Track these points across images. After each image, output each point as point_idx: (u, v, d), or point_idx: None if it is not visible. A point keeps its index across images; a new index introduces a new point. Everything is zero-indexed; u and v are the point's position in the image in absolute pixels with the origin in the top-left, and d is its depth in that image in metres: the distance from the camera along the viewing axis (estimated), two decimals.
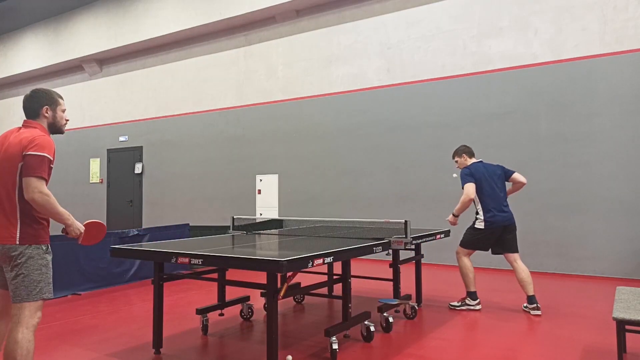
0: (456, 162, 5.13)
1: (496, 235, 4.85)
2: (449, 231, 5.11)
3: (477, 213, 4.92)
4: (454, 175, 4.74)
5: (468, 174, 4.83)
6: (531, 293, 4.71)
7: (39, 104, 2.71)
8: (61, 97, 2.81)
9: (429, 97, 8.32)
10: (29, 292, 2.46)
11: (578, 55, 7.12)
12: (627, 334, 2.88)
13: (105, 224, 2.77)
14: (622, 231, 6.69)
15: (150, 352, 3.63)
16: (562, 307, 4.94)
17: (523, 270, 4.80)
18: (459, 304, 4.89)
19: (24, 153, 2.47)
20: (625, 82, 6.78)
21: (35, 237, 2.52)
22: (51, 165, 2.54)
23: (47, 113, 2.73)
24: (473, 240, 4.97)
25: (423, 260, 5.34)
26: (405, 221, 4.16)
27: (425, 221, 8.19)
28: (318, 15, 9.61)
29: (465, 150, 5.07)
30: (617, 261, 6.70)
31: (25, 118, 2.73)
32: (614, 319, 2.74)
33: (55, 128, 2.77)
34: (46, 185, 2.49)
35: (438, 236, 4.89)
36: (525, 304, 4.82)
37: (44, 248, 2.56)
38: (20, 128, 2.68)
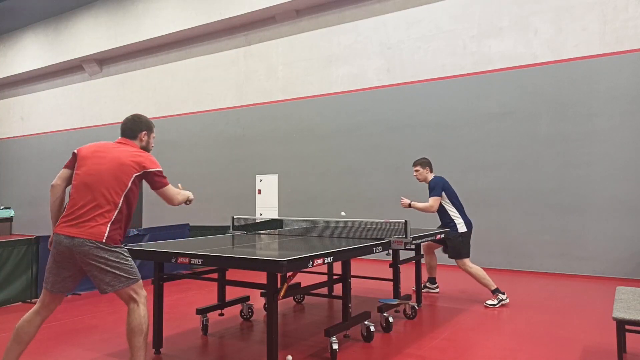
0: (417, 171, 5.47)
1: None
2: (448, 231, 5.11)
3: (451, 220, 5.29)
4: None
5: (440, 188, 5.26)
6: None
7: (140, 129, 3.07)
8: (154, 125, 3.20)
9: (429, 97, 8.32)
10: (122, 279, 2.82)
11: (578, 55, 7.12)
12: (627, 334, 2.88)
13: None
14: (622, 231, 6.69)
15: (150, 352, 3.62)
16: (562, 307, 4.94)
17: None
18: (496, 302, 5.03)
19: (146, 170, 2.87)
20: (625, 82, 6.78)
21: (116, 240, 2.81)
22: None
23: (144, 137, 3.09)
24: (466, 245, 5.30)
25: (423, 261, 5.34)
26: (405, 221, 4.16)
27: (425, 221, 8.19)
28: (318, 15, 9.61)
29: (429, 164, 5.50)
30: (617, 261, 6.70)
31: (120, 136, 3.08)
32: (614, 319, 2.74)
33: (146, 150, 3.10)
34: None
35: (438, 236, 4.90)
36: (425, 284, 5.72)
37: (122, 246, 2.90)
38: (119, 144, 2.99)
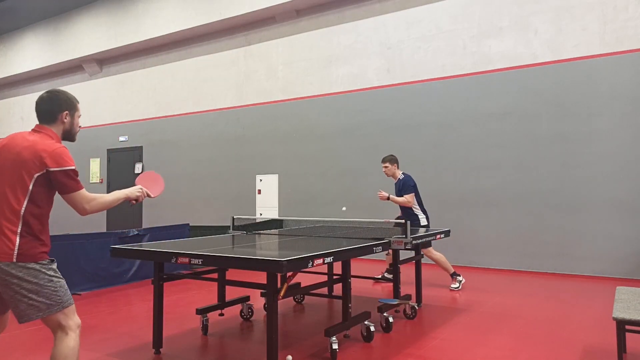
0: (386, 167, 5.96)
1: None
2: (448, 231, 5.12)
3: (414, 214, 5.85)
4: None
5: (413, 186, 5.83)
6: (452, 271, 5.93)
7: (59, 108, 2.44)
8: (78, 102, 2.58)
9: (429, 97, 8.32)
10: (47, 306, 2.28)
11: (578, 55, 7.12)
12: (627, 334, 2.88)
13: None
14: (622, 231, 6.69)
15: (150, 352, 3.63)
16: (562, 307, 4.94)
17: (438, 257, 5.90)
18: (458, 285, 5.86)
19: (49, 169, 2.26)
20: (625, 82, 6.78)
21: (33, 256, 2.25)
22: (77, 172, 2.40)
23: (65, 119, 2.47)
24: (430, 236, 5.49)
25: (423, 260, 5.35)
26: (405, 221, 4.16)
27: None
28: (318, 15, 9.61)
29: (397, 161, 6.03)
30: (617, 261, 6.70)
31: (37, 121, 2.47)
32: (614, 319, 2.74)
33: (70, 135, 2.53)
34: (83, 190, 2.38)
35: (438, 236, 4.90)
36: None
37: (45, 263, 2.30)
38: (31, 133, 2.41)
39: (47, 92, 2.48)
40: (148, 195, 2.68)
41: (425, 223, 5.87)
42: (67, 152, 2.35)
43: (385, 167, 5.97)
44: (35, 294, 2.20)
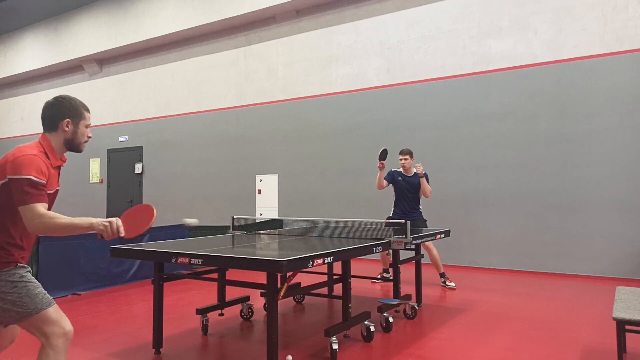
0: (406, 159, 5.96)
1: None
2: (448, 231, 5.11)
3: (420, 208, 6.12)
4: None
5: (428, 179, 6.06)
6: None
7: (60, 115, 2.28)
8: (87, 110, 2.38)
9: (429, 97, 8.32)
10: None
11: (578, 56, 7.12)
12: (627, 334, 2.87)
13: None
14: (622, 231, 6.69)
15: (150, 352, 3.63)
16: (562, 307, 4.94)
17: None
18: (453, 283, 6.08)
19: (8, 176, 2.10)
20: (625, 82, 6.78)
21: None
22: (40, 184, 2.11)
23: (67, 127, 2.30)
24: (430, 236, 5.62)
25: (423, 260, 5.34)
26: (405, 221, 4.16)
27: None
28: (318, 15, 9.61)
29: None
30: (617, 261, 6.70)
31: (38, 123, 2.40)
32: (614, 319, 2.74)
33: (74, 145, 2.34)
34: (43, 204, 2.11)
35: (438, 236, 4.90)
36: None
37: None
38: (34, 142, 2.29)
39: (54, 97, 2.34)
40: (118, 233, 2.20)
41: (424, 218, 6.21)
42: (31, 161, 2.11)
43: (406, 159, 5.94)
44: (1, 302, 2.09)
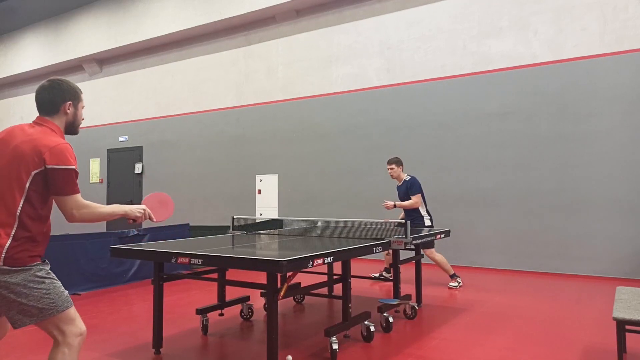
0: (392, 169, 6.03)
1: None
2: (448, 231, 5.12)
3: (420, 215, 5.96)
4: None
5: (419, 187, 5.95)
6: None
7: (62, 98, 2.24)
8: (81, 91, 2.38)
9: (429, 97, 8.32)
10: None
11: (578, 56, 7.12)
12: (627, 334, 2.87)
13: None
14: (622, 231, 6.69)
15: (150, 352, 3.63)
16: (562, 307, 4.94)
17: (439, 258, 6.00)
18: (457, 284, 6.01)
19: (47, 166, 2.05)
20: (625, 82, 6.78)
21: (22, 259, 2.06)
22: (78, 174, 2.17)
23: (69, 109, 2.26)
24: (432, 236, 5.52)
25: (423, 260, 5.35)
26: (405, 221, 4.16)
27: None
28: (318, 15, 9.61)
29: (402, 163, 6.13)
30: (617, 261, 6.70)
31: (38, 113, 2.25)
32: (614, 319, 2.74)
33: (73, 128, 2.34)
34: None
35: (438, 236, 4.90)
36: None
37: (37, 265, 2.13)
38: (32, 125, 2.21)
39: (48, 80, 2.27)
40: (150, 218, 2.43)
41: (430, 224, 5.96)
42: (70, 150, 2.13)
43: (392, 169, 6.04)
44: (24, 298, 2.01)
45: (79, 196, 2.14)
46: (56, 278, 2.16)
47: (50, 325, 2.08)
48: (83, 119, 2.40)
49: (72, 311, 2.14)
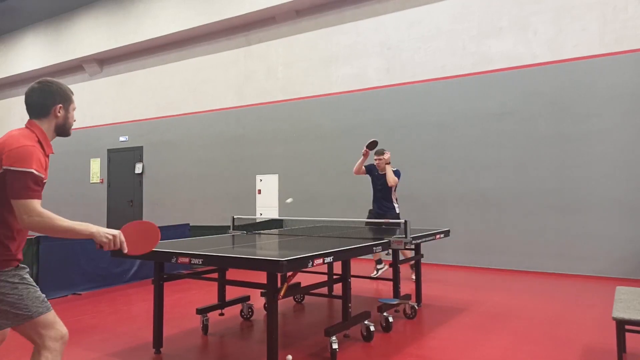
0: (383, 158, 6.16)
1: None
2: (448, 231, 5.12)
3: (392, 205, 6.31)
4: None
5: (400, 175, 6.25)
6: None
7: (52, 101, 2.18)
8: (72, 93, 2.31)
9: (429, 97, 8.33)
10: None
11: (578, 56, 7.13)
12: (627, 334, 2.88)
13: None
14: (621, 231, 6.69)
15: (150, 351, 3.63)
16: (562, 307, 4.94)
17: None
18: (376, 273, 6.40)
19: (4, 167, 1.97)
20: (624, 82, 6.78)
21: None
22: (40, 179, 2.02)
23: (59, 112, 2.20)
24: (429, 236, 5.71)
25: (423, 260, 5.35)
26: (405, 221, 4.16)
27: (425, 221, 8.19)
28: (318, 15, 9.62)
29: None
30: (617, 261, 6.70)
31: (28, 116, 2.20)
32: (614, 318, 2.74)
33: (64, 130, 2.27)
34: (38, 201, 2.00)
35: (438, 236, 4.90)
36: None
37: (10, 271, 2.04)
38: (20, 129, 2.16)
39: (37, 82, 2.20)
40: (121, 248, 2.14)
41: (398, 212, 6.39)
42: (34, 153, 2.01)
43: (380, 159, 6.21)
44: (0, 304, 1.97)
45: (33, 202, 1.97)
46: (32, 283, 2.07)
47: (28, 330, 2.03)
48: (75, 120, 2.33)
49: (51, 315, 2.07)
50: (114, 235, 2.11)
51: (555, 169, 7.20)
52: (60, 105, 2.21)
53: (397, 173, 6.21)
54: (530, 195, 7.36)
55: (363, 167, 6.26)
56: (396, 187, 6.30)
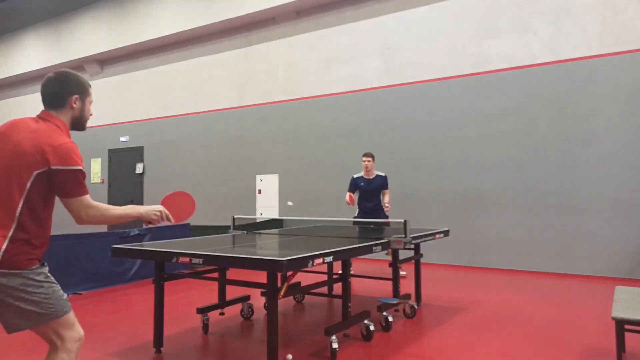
0: (370, 161, 6.49)
1: None
2: (448, 231, 5.13)
3: (381, 206, 6.57)
4: (289, 203, 5.83)
5: (387, 182, 6.62)
6: None
7: (68, 91, 2.11)
8: (90, 85, 2.24)
9: (428, 98, 8.34)
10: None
11: (577, 56, 7.14)
12: (627, 334, 2.88)
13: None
14: (621, 231, 6.70)
15: (151, 351, 3.64)
16: (561, 307, 4.95)
17: None
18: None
19: (52, 167, 1.93)
20: (624, 83, 6.79)
21: (19, 262, 1.93)
22: (85, 174, 2.04)
23: (75, 104, 2.13)
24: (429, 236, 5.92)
25: (422, 260, 5.36)
26: (405, 221, 4.17)
27: (425, 221, 8.20)
28: (318, 16, 9.63)
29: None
30: (616, 261, 6.71)
31: (43, 107, 2.12)
32: (613, 318, 2.75)
33: (80, 123, 2.20)
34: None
35: (437, 236, 4.91)
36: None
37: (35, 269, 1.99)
38: (37, 120, 2.07)
39: (55, 72, 2.15)
40: (168, 220, 2.27)
41: (389, 216, 6.82)
42: (76, 149, 2.00)
43: (369, 161, 6.50)
44: (23, 302, 1.90)
45: (87, 197, 2.03)
46: (55, 281, 2.04)
47: (48, 330, 1.99)
48: (91, 114, 2.26)
49: (72, 315, 2.05)
50: (160, 211, 2.24)
51: (555, 169, 7.21)
52: (77, 96, 2.14)
53: (385, 180, 6.55)
54: (530, 195, 7.37)
55: (350, 193, 6.52)
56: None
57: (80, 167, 1.98)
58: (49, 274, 2.04)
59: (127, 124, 12.77)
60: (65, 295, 2.06)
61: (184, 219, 2.46)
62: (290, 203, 5.35)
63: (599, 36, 7.00)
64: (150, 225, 2.18)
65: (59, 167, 1.93)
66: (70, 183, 1.96)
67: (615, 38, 6.89)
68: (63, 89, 2.11)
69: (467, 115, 7.96)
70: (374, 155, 6.71)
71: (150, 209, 2.21)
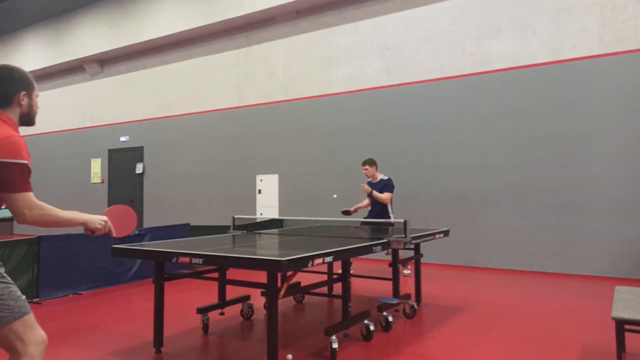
0: (366, 169, 6.42)
1: None
2: (448, 231, 5.13)
3: (387, 213, 6.40)
4: (334, 195, 5.71)
5: (393, 187, 6.36)
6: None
7: (15, 88, 2.05)
8: (33, 79, 2.20)
9: (428, 98, 8.34)
10: None
11: (577, 56, 7.14)
12: (626, 334, 2.89)
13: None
14: (621, 231, 6.70)
15: (151, 351, 3.64)
16: (561, 307, 4.95)
17: None
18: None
19: None
20: (624, 83, 6.79)
21: None
22: (30, 171, 1.97)
23: (23, 100, 2.08)
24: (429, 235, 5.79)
25: (422, 260, 5.36)
26: (405, 221, 4.17)
27: (425, 221, 8.20)
28: (318, 16, 9.63)
29: (376, 163, 6.51)
30: (616, 261, 6.71)
31: None
32: (613, 318, 2.75)
33: (29, 118, 2.14)
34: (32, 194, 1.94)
35: (437, 236, 4.91)
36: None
37: None
38: None
39: None
40: (110, 233, 2.20)
41: (393, 223, 6.34)
42: (22, 143, 1.94)
43: (365, 169, 6.45)
44: None
45: (31, 195, 1.93)
46: (11, 282, 1.95)
47: (9, 333, 1.88)
48: (38, 108, 2.21)
49: (31, 317, 1.95)
50: (105, 222, 2.15)
51: (555, 169, 7.21)
52: (24, 92, 2.08)
53: (389, 183, 6.31)
54: (530, 195, 7.37)
55: (364, 184, 6.36)
56: (391, 200, 6.43)
57: (25, 162, 1.92)
58: (4, 274, 1.95)
59: (127, 124, 12.77)
60: (23, 297, 1.97)
61: (124, 234, 2.38)
62: (335, 195, 5.46)
63: (599, 36, 7.00)
64: (89, 234, 2.14)
65: (4, 160, 1.86)
66: (15, 177, 1.88)
67: (615, 38, 6.89)
68: (9, 87, 2.05)
69: (467, 115, 7.96)
70: (374, 160, 6.54)
71: (95, 218, 2.13)
